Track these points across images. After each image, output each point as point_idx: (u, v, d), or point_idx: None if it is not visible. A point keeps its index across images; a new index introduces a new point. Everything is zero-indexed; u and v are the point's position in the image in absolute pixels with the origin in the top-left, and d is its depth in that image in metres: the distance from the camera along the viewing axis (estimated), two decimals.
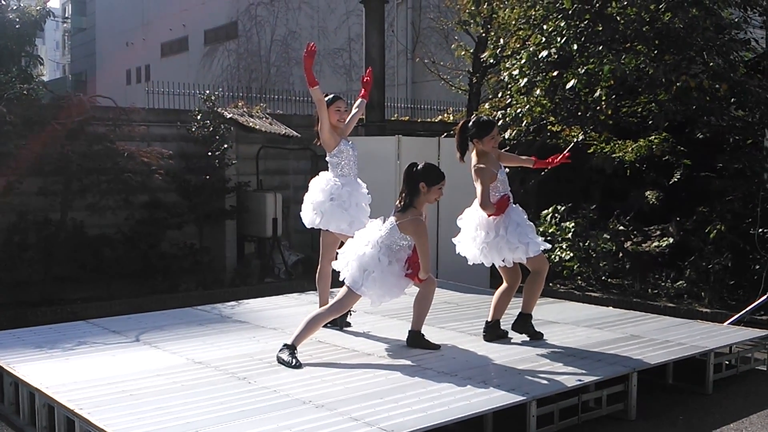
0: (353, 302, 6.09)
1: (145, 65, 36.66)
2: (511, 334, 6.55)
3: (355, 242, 6.05)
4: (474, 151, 6.30)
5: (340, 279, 6.05)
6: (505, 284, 6.50)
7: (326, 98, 6.56)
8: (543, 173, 11.51)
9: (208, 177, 11.01)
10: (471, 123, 6.37)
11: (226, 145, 11.23)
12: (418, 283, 6.02)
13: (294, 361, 5.64)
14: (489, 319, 6.54)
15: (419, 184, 5.87)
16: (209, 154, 11.08)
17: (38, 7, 10.82)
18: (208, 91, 11.76)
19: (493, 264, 6.45)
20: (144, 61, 36.70)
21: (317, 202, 6.60)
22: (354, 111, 6.91)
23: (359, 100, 7.01)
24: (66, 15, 54.23)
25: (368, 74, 7.10)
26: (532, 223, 6.37)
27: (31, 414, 5.28)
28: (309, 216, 6.69)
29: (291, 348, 5.75)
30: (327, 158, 6.70)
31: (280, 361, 5.69)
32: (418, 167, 5.93)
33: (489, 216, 6.15)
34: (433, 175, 5.91)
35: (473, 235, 6.29)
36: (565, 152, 6.74)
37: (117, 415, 4.50)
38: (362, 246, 5.95)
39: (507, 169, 6.55)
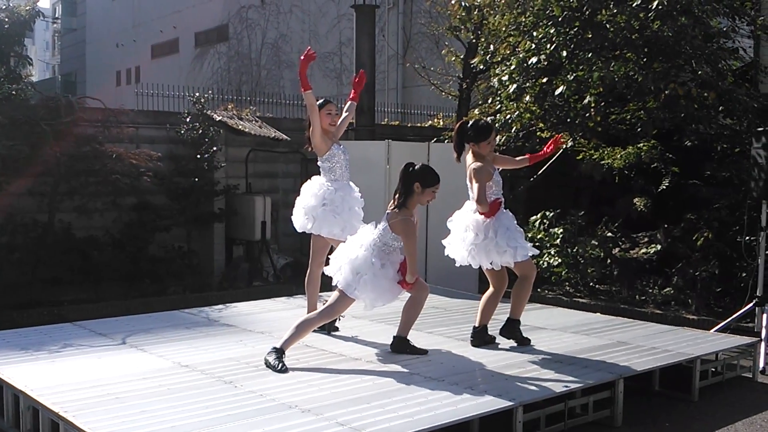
0: (345, 307, 6.05)
1: (135, 67, 36.52)
2: (499, 339, 6.56)
3: (347, 246, 6.04)
4: (470, 152, 6.32)
5: (333, 284, 6.04)
6: (491, 289, 6.51)
7: (317, 102, 6.56)
8: (532, 179, 11.54)
9: (196, 180, 10.99)
10: (470, 125, 6.39)
11: (215, 148, 11.22)
12: (410, 289, 6.01)
13: (280, 365, 5.63)
14: (476, 325, 6.55)
15: (414, 184, 5.87)
16: (198, 156, 11.06)
17: (28, 7, 10.76)
18: (197, 94, 11.74)
19: (480, 269, 6.47)
20: (134, 62, 36.56)
21: (309, 207, 6.58)
22: (344, 115, 6.90)
23: (349, 102, 6.99)
24: (56, 15, 53.99)
25: (360, 76, 7.06)
26: (521, 228, 6.39)
27: (16, 416, 5.24)
28: (300, 220, 6.68)
29: (279, 352, 5.74)
30: (319, 162, 6.70)
31: (267, 364, 5.68)
32: (415, 167, 5.94)
33: (482, 214, 6.16)
34: (429, 177, 5.92)
35: (462, 237, 6.30)
36: (557, 136, 6.74)
37: (102, 418, 4.48)
38: (355, 249, 5.95)
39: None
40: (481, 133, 6.30)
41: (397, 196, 5.93)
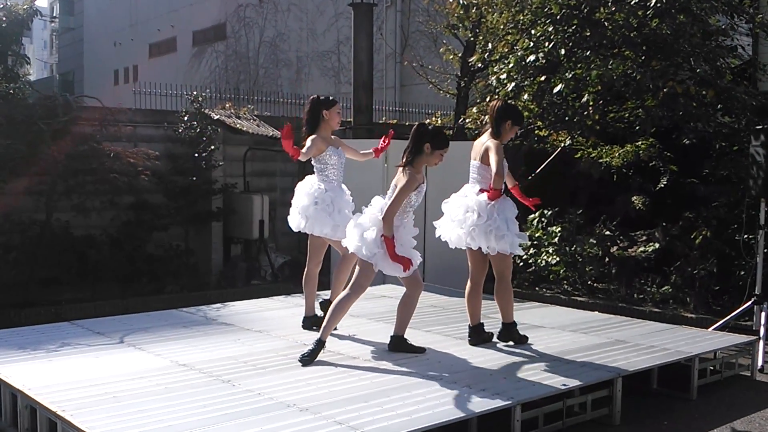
0: (369, 276, 5.99)
1: (133, 66, 36.51)
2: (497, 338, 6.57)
3: (360, 215, 6.07)
4: (486, 133, 6.40)
5: (350, 252, 6.06)
6: (469, 283, 6.52)
7: (325, 98, 6.66)
8: (530, 177, 11.52)
9: (194, 178, 10.99)
10: (514, 107, 6.65)
11: (213, 147, 11.21)
12: (404, 282, 6.00)
13: (308, 359, 5.75)
14: (471, 324, 6.54)
15: (425, 145, 5.88)
16: (196, 155, 11.05)
17: (25, 6, 10.75)
18: (195, 92, 11.73)
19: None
20: (132, 61, 36.55)
21: (302, 206, 6.62)
22: (359, 152, 6.96)
23: (370, 151, 6.95)
24: (54, 14, 53.89)
25: (390, 136, 6.98)
26: (517, 223, 6.39)
27: (13, 415, 5.23)
28: (295, 219, 6.72)
29: (317, 344, 5.84)
30: (313, 161, 6.71)
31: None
32: (429, 127, 5.98)
33: (493, 190, 6.13)
34: (440, 139, 5.96)
35: (462, 219, 6.28)
36: (535, 200, 6.71)
37: (99, 417, 4.47)
38: (367, 214, 5.99)
39: None
40: (520, 118, 6.59)
41: (405, 155, 5.93)
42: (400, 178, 5.86)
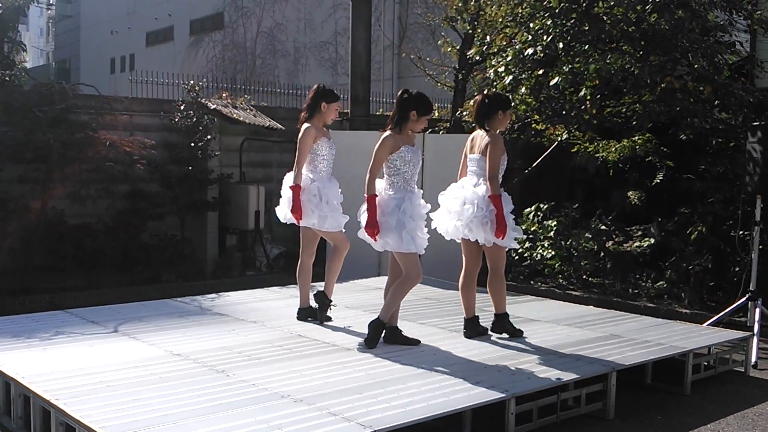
0: (413, 260, 5.99)
1: (130, 54, 36.43)
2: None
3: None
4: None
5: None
6: (463, 276, 6.52)
7: (329, 91, 6.67)
8: (527, 171, 11.52)
9: (190, 168, 10.96)
10: (498, 95, 6.67)
11: (209, 136, 11.18)
12: (401, 265, 6.02)
13: (375, 341, 5.98)
14: (466, 317, 6.54)
15: (411, 112, 5.94)
16: (192, 144, 11.02)
17: None
18: (192, 82, 11.69)
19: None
20: (129, 50, 36.47)
21: (288, 197, 6.60)
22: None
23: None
24: (50, 2, 53.67)
25: None
26: (513, 216, 6.40)
27: (7, 404, 5.23)
28: (282, 210, 6.71)
29: (378, 323, 6.02)
30: None
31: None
32: (412, 94, 6.00)
33: (493, 196, 6.13)
34: (425, 105, 6.03)
35: (459, 210, 6.27)
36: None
37: (93, 406, 4.46)
38: None
39: None
40: (508, 102, 6.63)
41: (391, 122, 5.99)
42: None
